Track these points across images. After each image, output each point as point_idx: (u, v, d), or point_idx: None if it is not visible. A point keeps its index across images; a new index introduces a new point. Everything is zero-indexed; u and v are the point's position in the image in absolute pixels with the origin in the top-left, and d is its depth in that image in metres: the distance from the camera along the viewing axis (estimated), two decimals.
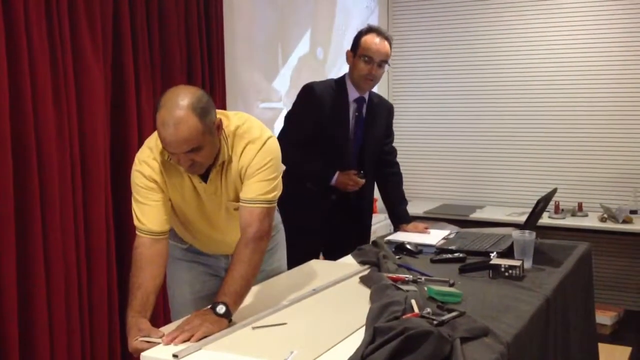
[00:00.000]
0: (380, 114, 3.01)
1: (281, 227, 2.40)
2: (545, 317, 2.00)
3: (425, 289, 1.98)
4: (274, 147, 1.99)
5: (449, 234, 2.88)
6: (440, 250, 2.61)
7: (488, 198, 4.91)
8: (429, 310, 1.74)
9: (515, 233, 2.36)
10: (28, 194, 2.33)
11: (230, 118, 1.98)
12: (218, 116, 1.88)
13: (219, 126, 1.88)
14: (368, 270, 2.33)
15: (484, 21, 4.81)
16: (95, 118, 2.59)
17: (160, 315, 2.93)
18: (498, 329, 1.68)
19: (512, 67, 4.74)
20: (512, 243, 2.39)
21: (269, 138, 1.98)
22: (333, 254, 2.60)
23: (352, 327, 1.75)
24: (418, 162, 5.10)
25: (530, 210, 2.58)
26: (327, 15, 4.49)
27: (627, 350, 3.86)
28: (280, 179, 2.00)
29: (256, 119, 2.04)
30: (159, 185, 1.95)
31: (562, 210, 4.36)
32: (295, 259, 2.47)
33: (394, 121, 3.17)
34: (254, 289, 2.05)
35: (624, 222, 4.12)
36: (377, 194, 3.18)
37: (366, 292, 2.04)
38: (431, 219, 4.21)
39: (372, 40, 2.81)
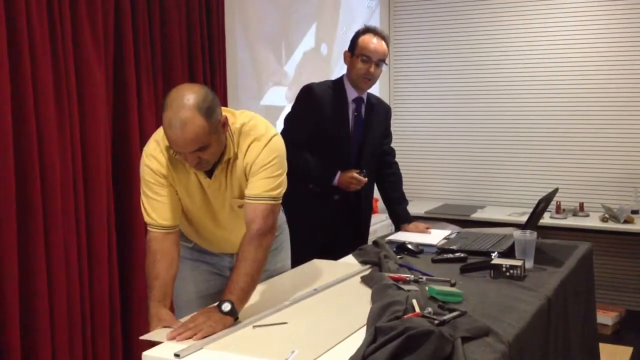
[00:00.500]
0: (378, 114, 3.02)
1: (286, 227, 2.41)
2: (547, 317, 2.00)
3: (427, 288, 1.98)
4: (279, 144, 2.00)
5: (450, 234, 2.88)
6: (441, 250, 2.61)
7: (489, 198, 4.91)
8: (430, 310, 1.74)
9: (517, 233, 2.36)
10: (30, 194, 2.33)
11: (237, 115, 1.99)
12: (224, 114, 1.89)
13: (225, 124, 1.89)
14: (369, 270, 2.34)
15: (485, 21, 4.81)
16: (96, 117, 2.60)
17: None
18: (499, 329, 1.68)
19: (513, 67, 4.74)
20: (513, 243, 2.39)
21: (274, 136, 1.99)
22: (332, 254, 2.60)
23: (353, 326, 1.75)
24: (419, 162, 5.10)
25: (531, 210, 2.58)
26: (331, 13, 4.49)
27: (628, 351, 3.86)
28: (285, 176, 2.01)
29: (262, 117, 2.05)
30: (167, 180, 1.97)
31: (564, 210, 4.36)
32: (296, 258, 2.47)
33: (394, 120, 3.17)
34: (256, 288, 2.05)
35: (625, 222, 4.12)
36: (377, 194, 3.18)
37: (367, 291, 2.04)
38: (432, 219, 4.21)
39: (370, 40, 2.82)
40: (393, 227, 3.18)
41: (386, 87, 5.07)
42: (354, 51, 2.86)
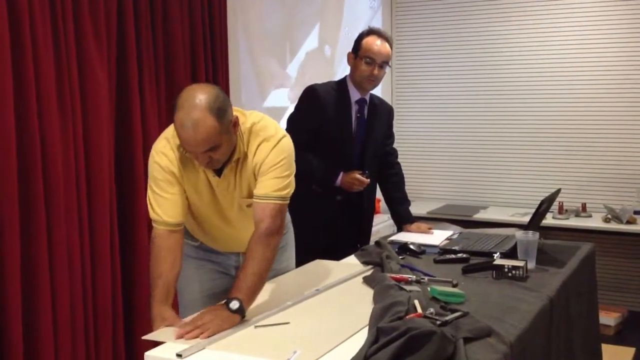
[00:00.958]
0: (381, 115, 3.02)
1: (290, 226, 2.42)
2: (549, 317, 2.00)
3: (429, 289, 1.98)
4: (288, 145, 2.02)
5: (452, 235, 2.88)
6: (443, 250, 2.61)
7: (491, 198, 4.90)
8: (432, 310, 1.74)
9: (519, 233, 2.36)
10: (32, 193, 2.33)
11: (247, 115, 2.01)
12: (234, 114, 1.91)
13: (236, 124, 1.91)
14: (371, 271, 2.34)
15: (487, 22, 4.80)
16: (99, 117, 2.60)
17: None
18: (501, 330, 1.68)
19: (516, 68, 4.73)
20: (516, 243, 2.39)
21: (283, 136, 2.01)
22: (334, 254, 2.60)
23: (355, 327, 1.75)
24: (421, 162, 5.10)
25: (533, 210, 2.58)
26: (335, 13, 4.49)
27: (630, 351, 3.86)
28: (293, 177, 2.03)
29: (271, 118, 2.07)
30: (176, 177, 1.98)
31: (566, 210, 4.35)
32: (298, 259, 2.48)
33: (396, 121, 3.18)
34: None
35: (628, 222, 4.11)
36: (380, 194, 3.18)
37: (369, 292, 2.04)
38: (434, 220, 4.20)
39: (374, 42, 2.83)
40: (395, 228, 3.18)
41: (388, 88, 5.07)
42: (358, 53, 2.86)
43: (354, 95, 2.91)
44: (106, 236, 2.64)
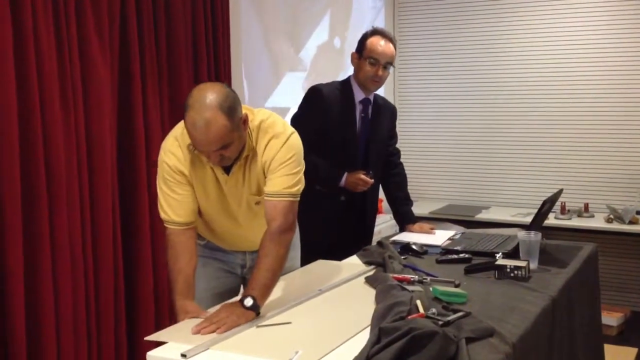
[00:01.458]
0: (384, 115, 3.02)
1: (296, 226, 2.42)
2: (551, 318, 2.00)
3: (431, 289, 1.98)
4: (297, 142, 2.04)
5: (454, 235, 2.88)
6: (445, 250, 2.61)
7: (494, 199, 4.90)
8: (434, 310, 1.74)
9: (521, 234, 2.36)
10: (35, 192, 2.34)
11: (255, 113, 2.03)
12: (244, 111, 1.92)
13: (245, 121, 1.92)
14: (374, 271, 2.34)
15: (491, 22, 4.80)
16: (102, 117, 2.60)
17: (165, 314, 2.94)
18: (503, 330, 1.68)
19: (519, 68, 4.73)
20: (518, 244, 2.38)
21: (292, 133, 2.04)
22: (337, 254, 2.60)
23: (358, 327, 1.76)
24: (424, 162, 5.10)
25: (536, 211, 2.58)
26: (343, 13, 4.49)
27: (633, 352, 3.85)
28: (302, 174, 2.05)
29: (278, 115, 2.08)
30: (185, 177, 2.00)
31: (568, 211, 4.35)
32: (300, 259, 2.48)
33: (399, 121, 3.17)
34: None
35: (631, 222, 4.11)
36: (382, 194, 3.18)
37: (372, 292, 2.04)
38: (437, 220, 4.21)
39: (378, 42, 2.83)
40: (397, 228, 3.18)
41: (391, 88, 5.07)
42: (362, 53, 2.86)
43: (358, 95, 2.91)
44: (109, 235, 2.65)
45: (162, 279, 2.90)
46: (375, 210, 3.18)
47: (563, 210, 4.33)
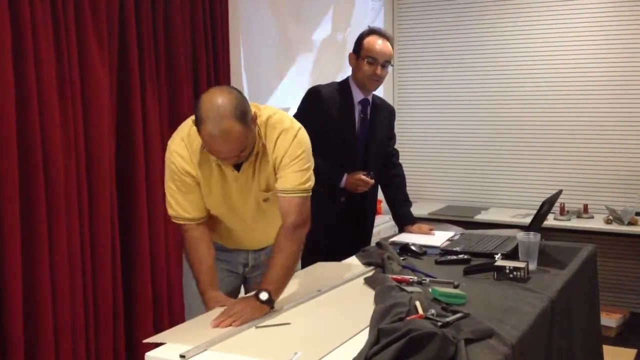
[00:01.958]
0: (383, 115, 3.02)
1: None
2: (550, 319, 2.00)
3: (430, 290, 1.98)
4: (306, 137, 2.06)
5: (453, 236, 2.88)
6: (444, 251, 2.61)
7: (493, 199, 4.90)
8: (433, 311, 1.74)
9: (520, 235, 2.36)
10: (33, 196, 2.34)
11: (262, 109, 2.05)
12: (252, 109, 1.94)
13: (255, 119, 1.94)
14: (372, 272, 2.34)
15: (490, 23, 4.80)
16: (100, 119, 2.60)
17: (164, 316, 2.94)
18: (502, 331, 1.68)
19: (518, 70, 4.72)
20: (517, 245, 2.39)
21: (300, 129, 2.05)
22: (336, 255, 2.60)
23: (357, 328, 1.75)
24: (423, 163, 5.10)
25: (535, 211, 2.58)
26: (344, 15, 4.49)
27: (632, 353, 3.85)
28: (312, 170, 2.08)
29: (284, 111, 2.10)
30: (192, 176, 2.02)
31: (568, 211, 4.35)
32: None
33: (398, 122, 3.17)
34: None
35: (630, 224, 4.11)
36: (381, 195, 3.18)
37: (371, 293, 2.04)
38: (436, 220, 4.20)
39: (375, 41, 2.83)
40: (396, 229, 3.18)
41: (390, 89, 5.06)
42: (360, 53, 2.86)
43: (357, 95, 2.91)
44: (107, 236, 2.65)
45: (161, 281, 2.90)
46: (374, 211, 3.18)
47: (562, 211, 4.33)
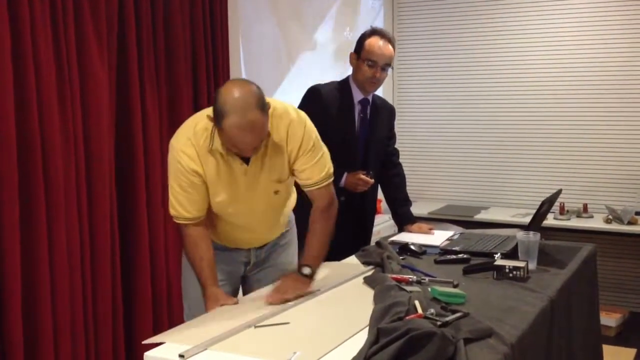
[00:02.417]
0: (383, 115, 3.02)
1: (294, 224, 2.45)
2: (550, 318, 2.00)
3: (429, 289, 1.98)
4: (312, 126, 2.12)
5: (453, 235, 2.88)
6: (444, 251, 2.61)
7: (493, 199, 4.90)
8: (432, 311, 1.74)
9: (520, 234, 2.36)
10: (33, 195, 2.33)
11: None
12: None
13: (268, 109, 1.96)
14: (372, 271, 2.34)
15: (489, 23, 4.80)
16: (100, 119, 2.60)
17: (163, 317, 2.93)
18: (502, 330, 1.68)
19: (517, 69, 4.73)
20: (517, 244, 2.38)
21: (306, 118, 2.10)
22: (335, 255, 2.60)
23: (356, 327, 1.75)
24: (423, 163, 5.10)
25: (534, 211, 2.58)
26: (344, 17, 4.49)
27: (631, 352, 3.85)
28: (327, 153, 2.16)
29: (282, 101, 2.13)
30: (198, 175, 2.02)
31: (567, 211, 4.35)
32: (298, 257, 2.47)
33: (398, 121, 3.17)
34: (258, 290, 2.15)
35: (629, 223, 4.11)
36: (381, 194, 3.18)
37: (370, 292, 2.04)
38: (435, 220, 4.20)
39: (376, 43, 2.82)
40: (396, 228, 3.18)
41: (390, 88, 5.07)
42: (360, 54, 2.85)
43: (357, 95, 2.91)
44: (106, 236, 2.64)
45: (160, 281, 2.90)
46: (374, 211, 3.18)
47: (562, 210, 4.33)
